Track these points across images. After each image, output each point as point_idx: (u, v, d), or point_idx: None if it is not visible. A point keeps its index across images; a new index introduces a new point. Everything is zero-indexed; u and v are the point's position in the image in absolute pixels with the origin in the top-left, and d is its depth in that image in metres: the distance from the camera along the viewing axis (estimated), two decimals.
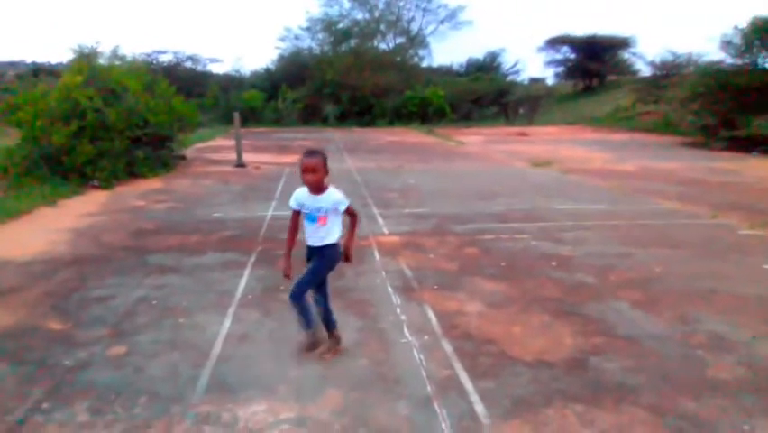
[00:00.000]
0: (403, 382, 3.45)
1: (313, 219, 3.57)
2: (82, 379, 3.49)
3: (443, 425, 3.01)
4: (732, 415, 3.12)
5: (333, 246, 3.64)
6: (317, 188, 3.53)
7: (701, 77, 20.80)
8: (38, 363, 3.70)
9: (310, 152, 3.53)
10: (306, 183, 3.52)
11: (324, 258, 3.64)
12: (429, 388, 3.38)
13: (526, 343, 4.01)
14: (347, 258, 3.74)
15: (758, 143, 17.26)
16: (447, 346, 3.94)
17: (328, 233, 3.60)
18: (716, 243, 6.80)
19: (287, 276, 3.70)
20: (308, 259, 3.70)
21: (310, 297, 3.73)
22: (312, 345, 3.76)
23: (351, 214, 3.67)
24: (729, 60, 20.12)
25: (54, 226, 7.44)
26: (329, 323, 3.82)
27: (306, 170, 3.46)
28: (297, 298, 3.62)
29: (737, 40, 19.46)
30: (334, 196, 3.57)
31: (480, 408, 3.16)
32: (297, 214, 3.68)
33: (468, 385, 3.41)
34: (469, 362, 3.71)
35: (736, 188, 10.88)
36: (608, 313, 4.56)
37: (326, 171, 3.53)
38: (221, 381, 3.46)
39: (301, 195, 3.61)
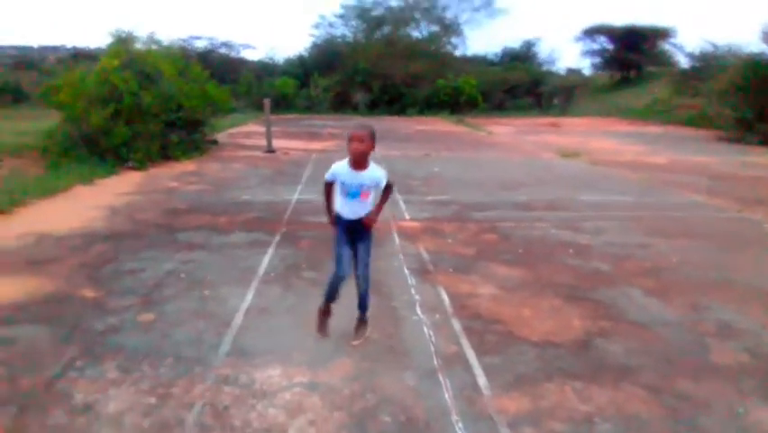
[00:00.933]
0: (411, 356, 3.62)
1: (355, 195, 3.56)
2: (112, 341, 3.76)
3: (446, 395, 3.17)
4: (728, 397, 3.21)
5: (366, 217, 3.66)
6: (361, 162, 3.52)
7: (740, 69, 20.23)
8: (72, 326, 3.98)
9: (360, 125, 3.57)
10: (351, 152, 3.49)
11: (368, 232, 3.70)
12: (436, 361, 3.54)
13: (534, 324, 4.13)
14: (369, 221, 3.67)
15: None
16: (456, 325, 4.09)
17: (367, 207, 3.63)
18: (738, 236, 6.75)
19: (333, 224, 3.76)
20: (346, 232, 3.67)
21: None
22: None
23: (388, 187, 3.69)
24: None
25: (91, 204, 7.81)
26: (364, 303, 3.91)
27: (353, 138, 3.45)
28: (368, 275, 3.79)
29: None
30: (377, 172, 3.59)
31: (482, 380, 3.32)
32: (330, 186, 3.69)
33: (473, 360, 3.56)
34: (476, 339, 3.85)
35: (766, 184, 10.66)
36: (620, 299, 4.64)
37: (373, 145, 3.53)
38: (241, 347, 3.69)
39: (341, 169, 3.58)
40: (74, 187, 8.88)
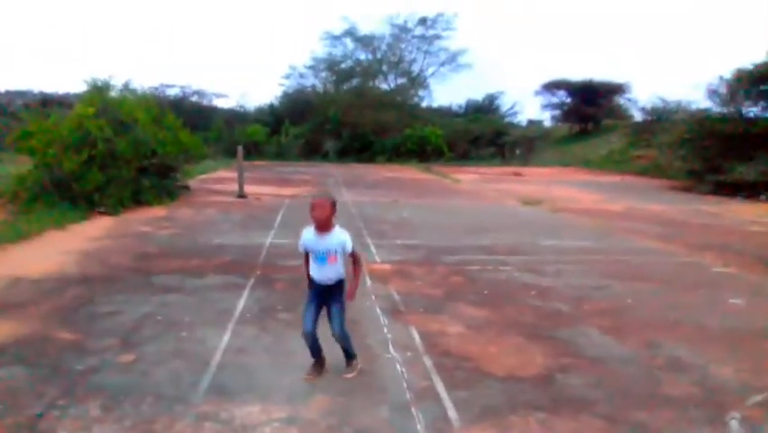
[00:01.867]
0: (385, 391, 3.82)
1: (323, 259, 3.78)
2: (93, 381, 3.84)
3: (419, 426, 3.36)
4: (679, 426, 3.48)
5: (343, 281, 3.94)
6: (325, 226, 3.76)
7: (689, 123, 21.59)
8: (52, 367, 4.05)
9: (321, 194, 3.86)
10: (314, 219, 3.74)
11: (340, 294, 3.93)
12: (408, 396, 3.74)
13: (500, 361, 4.38)
14: (349, 296, 3.94)
15: (742, 188, 17.84)
16: (428, 361, 4.31)
17: (338, 271, 3.88)
18: (688, 278, 7.21)
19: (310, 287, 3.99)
20: (316, 298, 3.91)
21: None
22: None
23: (354, 258, 3.90)
24: (715, 108, 20.93)
25: (63, 248, 7.83)
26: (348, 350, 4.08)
27: (315, 206, 3.70)
28: (346, 333, 3.96)
29: (722, 89, 20.32)
30: (341, 236, 3.81)
31: (452, 413, 3.52)
32: (306, 254, 3.94)
33: (443, 394, 3.77)
34: (446, 375, 4.08)
35: (715, 230, 11.35)
36: (579, 337, 4.94)
37: (334, 211, 3.78)
38: (220, 386, 3.82)
39: (308, 235, 3.84)
40: (46, 231, 8.88)
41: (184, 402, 3.57)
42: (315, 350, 3.98)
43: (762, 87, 19.90)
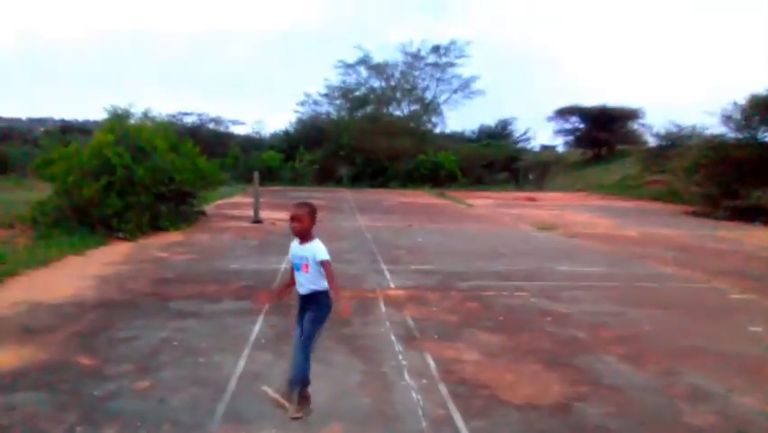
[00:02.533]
0: (401, 419, 3.79)
1: (298, 268, 3.86)
2: (111, 407, 3.87)
3: None
4: None
5: (323, 293, 3.88)
6: (304, 237, 3.84)
7: (703, 149, 21.49)
8: (71, 393, 4.09)
9: (299, 204, 3.92)
10: (292, 230, 3.84)
11: (319, 306, 3.89)
12: (424, 424, 3.72)
13: (517, 389, 4.34)
14: (343, 312, 3.90)
15: (759, 214, 17.64)
16: (443, 389, 4.28)
17: (312, 281, 3.86)
18: (706, 305, 7.12)
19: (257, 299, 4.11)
20: (300, 309, 3.94)
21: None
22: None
23: (324, 267, 3.80)
24: (730, 134, 20.86)
25: (82, 273, 7.94)
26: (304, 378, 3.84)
27: (293, 218, 3.82)
28: (309, 348, 3.85)
29: (737, 115, 20.26)
30: (316, 247, 3.80)
31: None
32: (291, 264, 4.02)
33: (460, 423, 3.74)
34: (462, 403, 4.05)
35: (733, 256, 11.21)
36: (596, 365, 4.89)
37: (313, 221, 3.86)
38: (236, 412, 3.83)
39: (292, 246, 3.93)
40: (65, 257, 9.02)
41: (200, 429, 3.58)
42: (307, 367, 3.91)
43: None
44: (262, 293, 4.15)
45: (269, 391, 3.92)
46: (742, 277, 8.88)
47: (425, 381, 4.44)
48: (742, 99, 20.46)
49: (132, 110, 13.65)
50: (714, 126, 22.53)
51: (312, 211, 3.88)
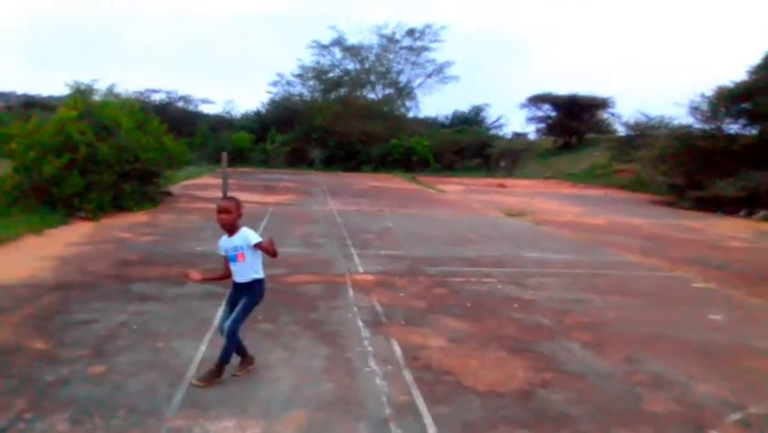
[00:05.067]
0: (364, 406, 3.75)
1: (233, 259, 4.00)
2: (63, 393, 3.73)
3: None
4: None
5: (257, 282, 4.08)
6: (231, 229, 3.98)
7: (671, 139, 21.88)
8: (22, 377, 3.93)
9: (225, 198, 4.07)
10: (219, 222, 3.97)
11: (251, 293, 4.07)
12: (388, 411, 3.68)
13: (481, 375, 4.34)
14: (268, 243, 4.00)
15: (723, 204, 18.10)
16: (408, 375, 4.25)
17: (249, 269, 4.03)
18: (669, 293, 7.25)
19: (185, 275, 4.20)
20: (233, 293, 4.12)
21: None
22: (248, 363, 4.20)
23: (262, 248, 3.98)
24: (697, 125, 21.26)
25: (40, 254, 7.67)
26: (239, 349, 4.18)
27: (220, 211, 3.94)
28: (234, 332, 4.00)
29: (704, 107, 20.65)
30: (246, 233, 3.99)
31: (432, 430, 3.47)
32: (225, 257, 4.10)
33: (423, 410, 3.71)
34: (426, 390, 4.02)
35: (696, 245, 11.47)
36: (560, 351, 4.92)
37: (239, 214, 4.01)
38: (194, 399, 3.73)
39: (222, 240, 4.06)
40: (23, 236, 8.69)
41: (157, 416, 3.47)
42: (238, 351, 4.15)
43: (742, 105, 20.26)
44: (196, 273, 4.11)
45: (196, 381, 3.98)
46: (704, 266, 9.08)
47: (390, 367, 4.41)
48: (709, 91, 20.88)
49: (96, 86, 13.20)
50: (682, 117, 22.97)
51: (238, 204, 4.06)
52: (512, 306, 6.27)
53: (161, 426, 3.36)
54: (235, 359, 4.15)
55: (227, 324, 4.00)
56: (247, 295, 4.05)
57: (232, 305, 4.10)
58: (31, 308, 5.41)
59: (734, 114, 20.69)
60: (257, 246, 3.96)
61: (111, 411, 3.50)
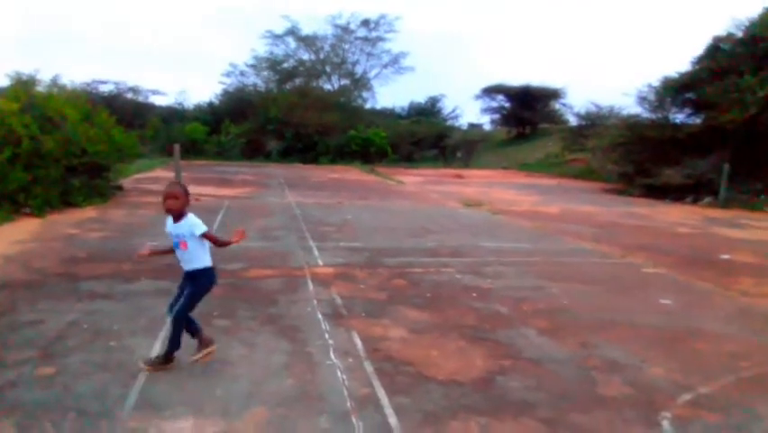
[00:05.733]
0: (325, 399, 3.72)
1: (177, 246, 3.94)
2: (9, 397, 3.56)
3: None
4: (615, 426, 3.56)
5: (203, 271, 3.99)
6: (178, 215, 3.91)
7: (620, 129, 22.58)
8: None
9: (172, 183, 4.04)
10: (166, 209, 3.90)
11: (197, 282, 3.99)
12: (349, 404, 3.66)
13: (441, 364, 4.37)
14: (237, 235, 4.11)
15: (670, 191, 18.81)
16: (369, 367, 4.25)
17: (192, 257, 3.95)
18: (621, 279, 7.49)
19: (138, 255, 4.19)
20: (183, 282, 4.06)
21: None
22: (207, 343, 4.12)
23: (209, 239, 3.96)
24: (645, 114, 21.98)
25: None
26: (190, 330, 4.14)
27: (167, 197, 3.88)
28: (181, 320, 3.96)
29: (651, 96, 21.37)
30: (191, 222, 3.91)
31: (393, 420, 3.47)
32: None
33: (384, 401, 3.72)
34: (387, 381, 4.03)
35: (645, 232, 11.88)
36: (517, 339, 5.01)
37: (187, 201, 3.95)
38: (149, 399, 3.62)
39: (168, 224, 4.00)
40: None
41: (109, 418, 3.35)
42: (191, 330, 4.09)
43: (687, 95, 21.05)
44: (144, 249, 4.09)
45: (142, 364, 3.99)
46: (654, 252, 9.42)
47: (351, 359, 4.39)
48: (656, 81, 21.60)
49: (39, 77, 12.59)
50: (630, 107, 23.73)
51: (185, 191, 3.99)
52: (471, 295, 6.35)
53: (115, 428, 3.25)
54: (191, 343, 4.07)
55: (174, 314, 3.95)
56: (191, 284, 3.98)
57: (182, 290, 4.04)
58: None
59: (679, 103, 21.48)
60: (203, 236, 3.89)
61: (61, 415, 3.36)
